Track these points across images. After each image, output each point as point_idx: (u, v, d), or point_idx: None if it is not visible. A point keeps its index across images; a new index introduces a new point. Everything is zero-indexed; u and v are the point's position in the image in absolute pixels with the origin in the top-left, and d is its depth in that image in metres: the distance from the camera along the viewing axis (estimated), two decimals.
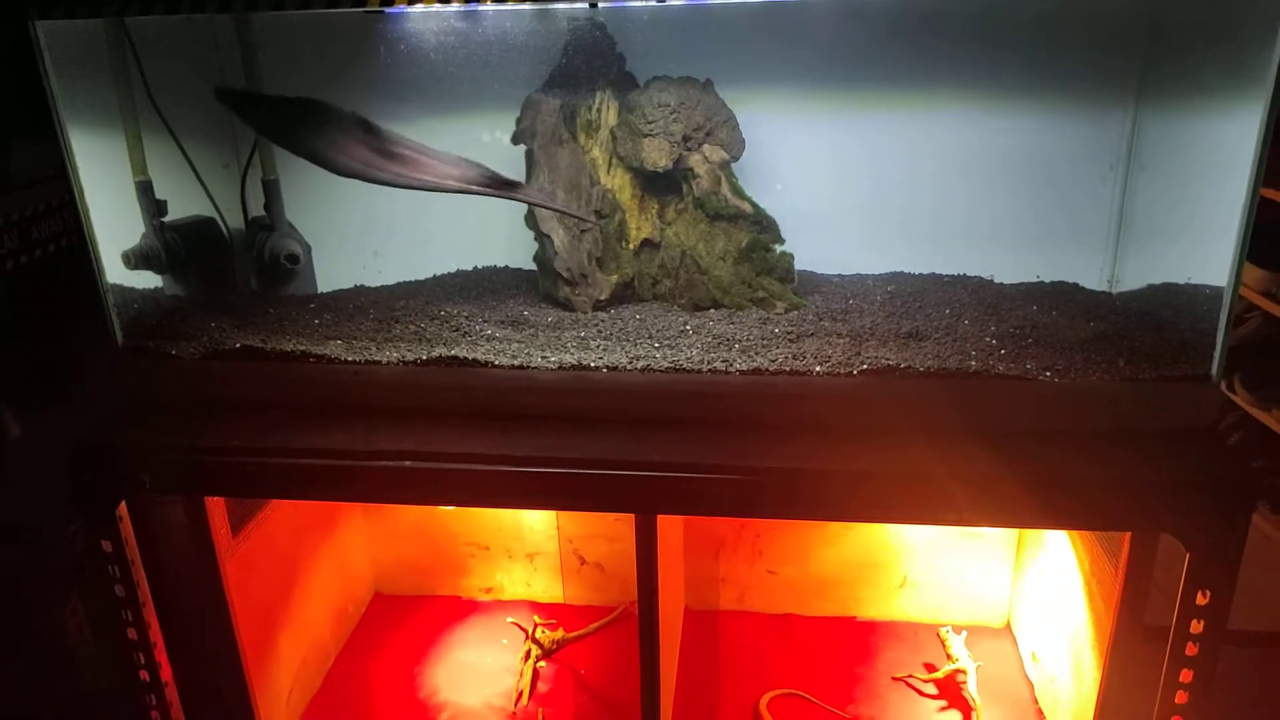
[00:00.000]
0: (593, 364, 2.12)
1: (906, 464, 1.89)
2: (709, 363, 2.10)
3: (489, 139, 2.54)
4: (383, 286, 2.70)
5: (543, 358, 2.16)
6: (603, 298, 2.45)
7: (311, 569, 2.91)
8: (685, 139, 2.41)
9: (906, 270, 2.63)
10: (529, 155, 2.47)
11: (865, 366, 2.04)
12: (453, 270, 2.77)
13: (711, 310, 2.42)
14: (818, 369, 2.06)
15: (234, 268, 2.61)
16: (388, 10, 2.29)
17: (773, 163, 2.59)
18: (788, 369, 2.06)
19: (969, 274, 2.57)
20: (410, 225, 2.75)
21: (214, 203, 2.56)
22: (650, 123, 2.38)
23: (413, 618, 3.26)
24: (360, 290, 2.67)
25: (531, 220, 2.47)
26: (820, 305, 2.40)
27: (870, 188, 2.61)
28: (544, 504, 2.18)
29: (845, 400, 2.02)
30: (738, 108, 2.45)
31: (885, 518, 1.98)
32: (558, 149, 2.44)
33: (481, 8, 2.26)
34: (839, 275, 2.64)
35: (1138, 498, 1.85)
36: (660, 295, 2.52)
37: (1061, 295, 2.45)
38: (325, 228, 2.70)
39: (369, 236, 2.75)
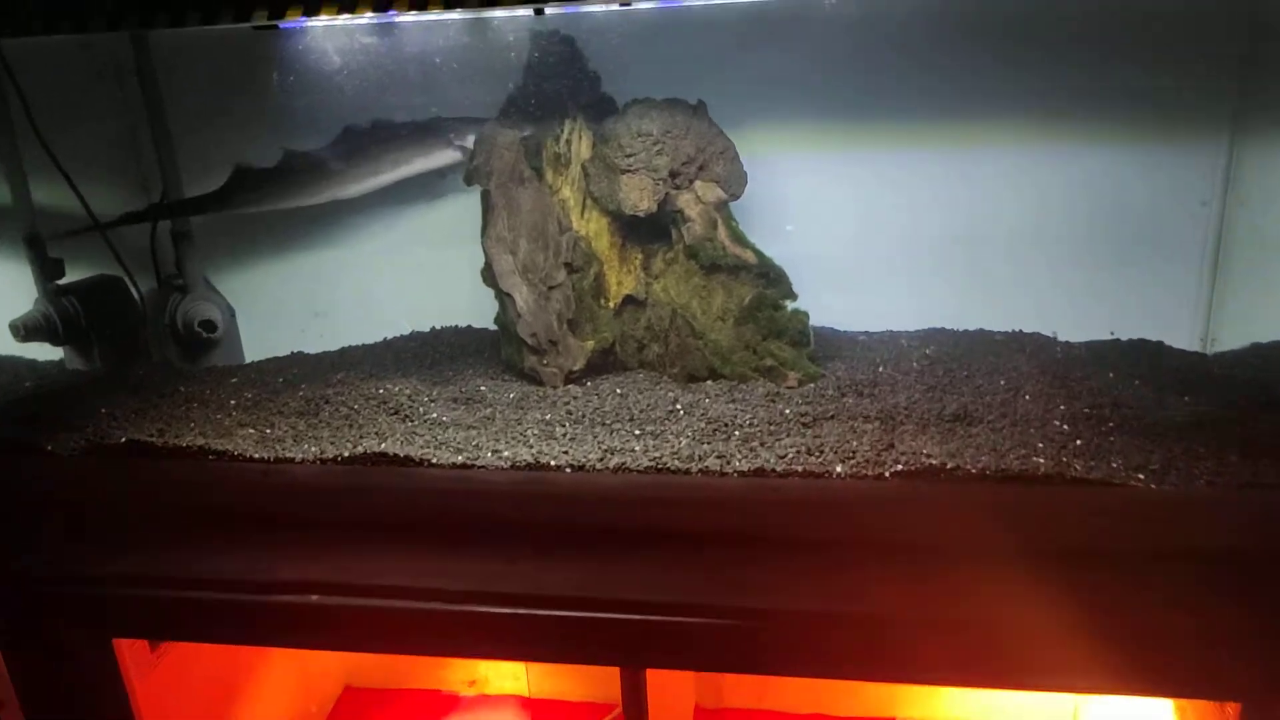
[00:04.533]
0: (554, 462, 1.69)
1: (954, 606, 1.43)
2: (700, 458, 1.66)
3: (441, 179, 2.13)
4: (324, 354, 2.29)
5: (494, 452, 1.73)
6: (576, 368, 2.02)
7: (264, 666, 2.47)
8: (673, 175, 1.98)
9: (947, 326, 2.17)
10: (485, 197, 2.05)
11: (900, 466, 1.58)
12: (407, 333, 2.35)
13: (709, 382, 1.98)
14: (839, 469, 1.60)
15: (144, 336, 2.21)
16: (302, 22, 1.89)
17: (782, 200, 2.16)
18: (800, 468, 1.61)
19: (1025, 330, 2.11)
20: (360, 280, 2.35)
21: (119, 258, 2.17)
22: (629, 156, 1.95)
23: (387, 715, 2.83)
24: (296, 359, 2.27)
25: (489, 275, 2.04)
26: (843, 376, 1.95)
27: (903, 227, 2.17)
28: (486, 653, 1.74)
29: (875, 513, 1.56)
30: (739, 136, 2.02)
31: (922, 678, 1.51)
32: (518, 189, 2.02)
33: (401, 18, 1.84)
34: (865, 334, 2.19)
35: (1259, 656, 1.38)
36: (647, 363, 2.09)
37: (1143, 357, 1.98)
38: (259, 285, 2.31)
39: (311, 294, 2.34)
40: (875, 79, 2.07)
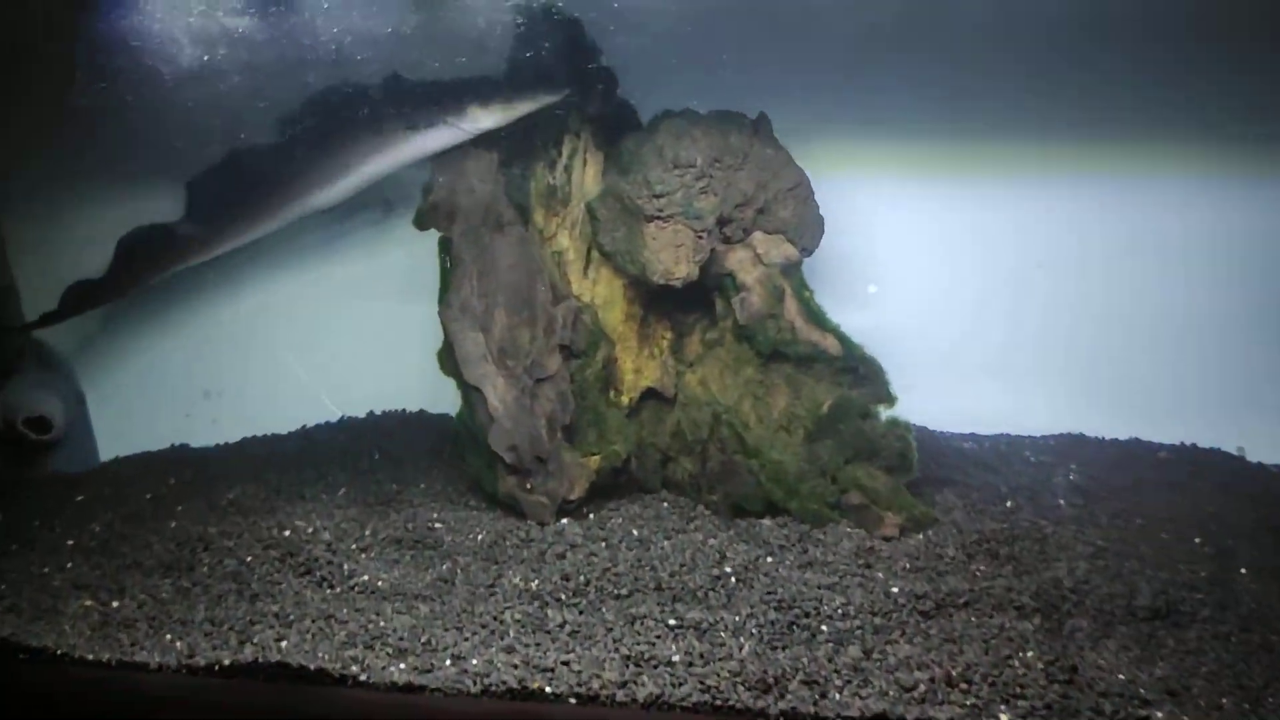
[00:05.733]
0: (549, 685, 1.08)
1: None
2: (777, 685, 1.08)
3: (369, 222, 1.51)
4: (216, 450, 1.66)
5: (455, 659, 1.13)
6: (574, 497, 1.41)
7: None
8: (722, 222, 1.37)
9: (1087, 432, 1.59)
10: (445, 248, 1.42)
11: None
12: (335, 419, 1.72)
13: (766, 521, 1.42)
14: (1005, 718, 1.01)
15: None
16: None
17: (859, 249, 1.57)
18: (943, 715, 1.01)
19: (1198, 444, 1.53)
20: (271, 347, 1.72)
21: None
22: (659, 197, 1.33)
23: None
24: (176, 458, 1.65)
25: (449, 360, 1.42)
26: (962, 519, 1.39)
27: (1021, 290, 1.61)
28: None
29: None
30: (810, 163, 1.41)
31: None
32: (495, 238, 1.40)
33: None
34: (972, 438, 1.62)
35: None
36: (675, 483, 1.52)
37: None
38: (128, 356, 1.66)
39: (201, 366, 1.70)
40: (1000, 74, 1.48)
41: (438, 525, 1.42)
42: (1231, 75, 1.42)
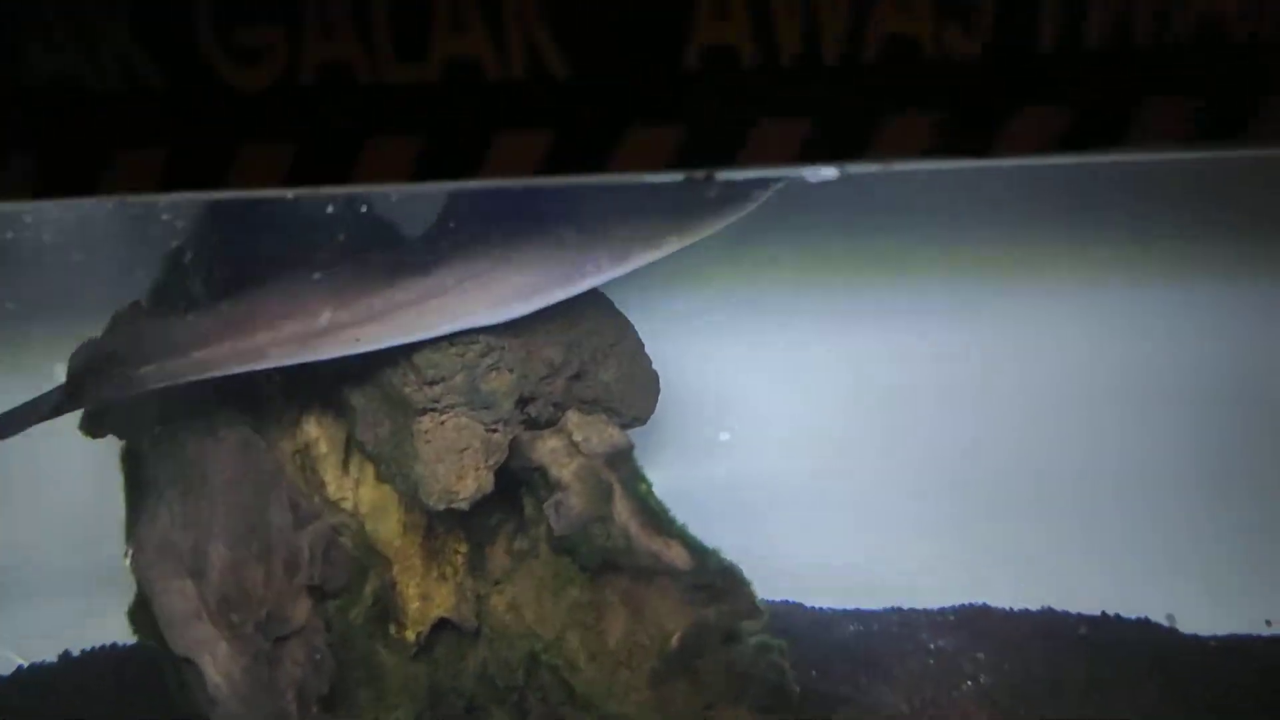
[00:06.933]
0: None
1: None
2: None
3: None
4: None
5: None
6: None
7: None
8: (524, 402, 1.01)
9: (988, 600, 1.33)
10: (130, 462, 1.00)
11: None
12: (11, 671, 1.25)
13: None
14: None
15: None
16: None
17: (705, 387, 1.26)
18: None
19: (1121, 614, 1.29)
20: None
21: None
22: (433, 383, 0.95)
23: None
24: None
25: (145, 622, 1.00)
26: None
27: (905, 432, 1.32)
28: None
29: None
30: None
31: None
32: (206, 443, 0.98)
33: None
34: (857, 616, 1.31)
35: None
36: None
37: None
38: None
39: None
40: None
41: None
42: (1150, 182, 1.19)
